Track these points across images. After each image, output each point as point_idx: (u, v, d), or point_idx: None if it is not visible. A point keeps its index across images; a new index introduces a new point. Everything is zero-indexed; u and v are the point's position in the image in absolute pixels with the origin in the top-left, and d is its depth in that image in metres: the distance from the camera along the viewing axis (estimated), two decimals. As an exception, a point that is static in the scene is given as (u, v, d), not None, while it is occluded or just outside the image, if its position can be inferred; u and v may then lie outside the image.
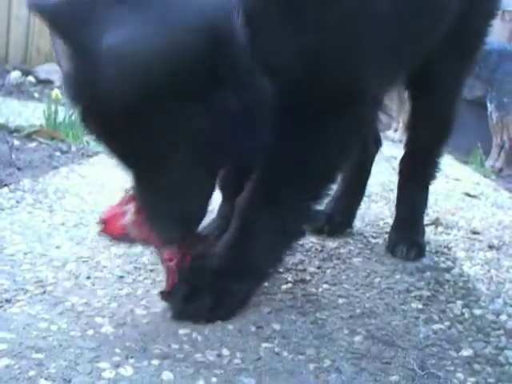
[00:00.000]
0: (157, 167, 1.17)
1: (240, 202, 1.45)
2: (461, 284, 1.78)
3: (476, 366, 1.31)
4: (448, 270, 1.89)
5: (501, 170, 4.66)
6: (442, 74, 1.88)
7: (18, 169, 2.53)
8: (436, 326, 1.48)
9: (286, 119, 1.24)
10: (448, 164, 3.87)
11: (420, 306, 1.59)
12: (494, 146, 4.78)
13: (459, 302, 1.64)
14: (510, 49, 4.91)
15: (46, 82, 5.41)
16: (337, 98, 1.34)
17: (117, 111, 1.06)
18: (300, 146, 1.41)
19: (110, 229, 1.43)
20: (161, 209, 1.25)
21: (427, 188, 2.08)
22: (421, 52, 1.69)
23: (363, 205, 2.50)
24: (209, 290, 1.38)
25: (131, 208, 1.40)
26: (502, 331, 1.50)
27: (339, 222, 2.10)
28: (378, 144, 2.21)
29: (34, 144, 3.01)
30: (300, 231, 1.53)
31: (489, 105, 4.80)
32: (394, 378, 1.23)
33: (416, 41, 1.59)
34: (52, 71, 5.61)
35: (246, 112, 1.13)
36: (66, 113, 3.28)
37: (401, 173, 2.07)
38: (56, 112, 3.28)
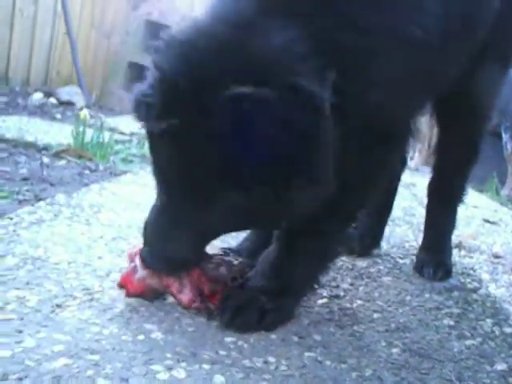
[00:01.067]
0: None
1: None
2: (488, 304, 1.83)
3: (511, 380, 1.36)
4: (475, 290, 1.94)
5: None
6: (471, 98, 1.94)
7: (51, 185, 2.60)
8: (468, 342, 1.53)
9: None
10: (465, 192, 3.93)
11: (451, 323, 1.63)
12: (509, 174, 4.83)
13: (489, 320, 1.69)
14: (524, 80, 4.98)
15: (68, 104, 5.51)
16: (383, 135, 1.44)
17: None
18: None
19: (131, 287, 1.51)
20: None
21: (455, 210, 2.14)
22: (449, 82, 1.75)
23: (388, 228, 2.56)
24: (255, 305, 1.45)
25: (138, 262, 1.49)
26: (532, 348, 1.54)
27: (369, 243, 2.15)
28: (403, 162, 2.26)
29: (63, 162, 3.09)
30: (335, 253, 1.62)
31: (504, 135, 4.86)
32: (433, 387, 1.28)
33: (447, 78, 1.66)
34: (72, 93, 5.73)
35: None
36: (94, 133, 3.36)
37: (429, 195, 2.13)
38: (84, 132, 3.36)
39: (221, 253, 1.64)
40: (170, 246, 1.40)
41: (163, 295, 1.53)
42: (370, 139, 1.39)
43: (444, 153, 2.07)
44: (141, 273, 1.49)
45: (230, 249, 1.75)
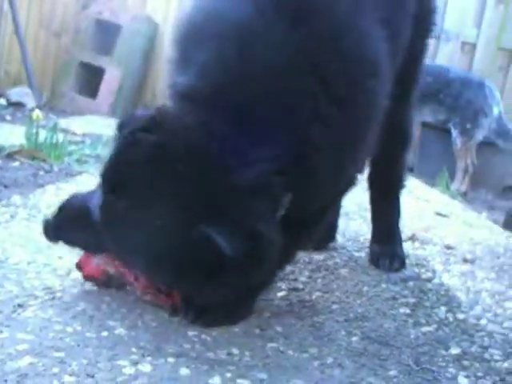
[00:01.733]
0: None
1: None
2: (442, 292, 1.89)
3: (465, 363, 1.41)
4: (429, 280, 2.00)
5: (465, 193, 4.84)
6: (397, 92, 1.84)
7: (5, 186, 2.56)
8: (424, 329, 1.58)
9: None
10: (416, 186, 4.02)
11: (407, 311, 1.69)
12: (458, 169, 4.96)
13: (443, 308, 1.75)
14: (471, 77, 5.13)
15: (18, 105, 5.41)
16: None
17: None
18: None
19: (88, 270, 1.54)
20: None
21: (398, 200, 2.18)
22: None
23: (342, 223, 2.61)
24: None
25: None
26: (484, 333, 1.60)
27: (324, 237, 2.18)
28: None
29: (16, 163, 3.04)
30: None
31: (453, 130, 4.99)
32: (392, 372, 1.32)
33: None
34: (23, 94, 5.63)
35: None
36: (47, 134, 3.32)
37: (370, 189, 2.15)
38: (37, 133, 3.31)
39: None
40: None
41: (116, 285, 1.55)
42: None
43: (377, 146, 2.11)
44: (99, 258, 1.51)
45: None
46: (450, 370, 1.37)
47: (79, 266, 1.55)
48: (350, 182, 1.61)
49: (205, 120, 1.25)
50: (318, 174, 1.35)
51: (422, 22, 1.92)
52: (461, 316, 1.70)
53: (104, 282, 1.54)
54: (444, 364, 1.39)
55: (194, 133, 1.25)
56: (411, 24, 1.78)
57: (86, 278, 1.55)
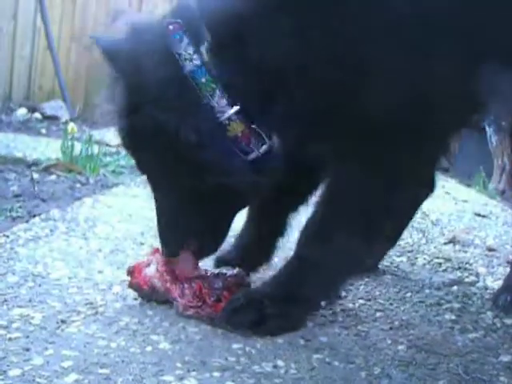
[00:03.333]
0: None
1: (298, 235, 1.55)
2: (487, 296, 1.85)
3: (516, 371, 1.37)
4: (473, 284, 1.96)
5: (503, 191, 4.74)
6: None
7: (43, 200, 2.59)
8: (472, 335, 1.54)
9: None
10: (454, 187, 3.97)
11: (453, 317, 1.65)
12: (495, 168, 4.87)
13: (489, 313, 1.70)
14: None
15: (52, 118, 5.48)
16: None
17: None
18: (352, 184, 1.47)
19: (136, 277, 1.55)
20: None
21: None
22: None
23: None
24: (254, 306, 1.46)
25: (155, 259, 1.55)
26: (535, 339, 1.56)
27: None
28: (431, 186, 1.91)
29: (53, 177, 3.08)
30: (354, 264, 1.56)
31: (487, 128, 4.90)
32: (441, 382, 1.29)
33: None
34: (57, 107, 5.70)
35: None
36: (83, 146, 3.36)
37: None
38: (72, 146, 3.35)
39: (214, 268, 1.66)
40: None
41: (157, 299, 1.55)
42: None
43: None
44: (151, 269, 1.53)
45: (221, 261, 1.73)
46: (502, 378, 1.33)
47: (130, 272, 1.56)
48: None
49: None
50: None
51: None
52: (509, 321, 1.66)
53: (147, 294, 1.55)
54: (495, 372, 1.35)
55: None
56: None
57: (132, 285, 1.56)
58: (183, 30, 1.32)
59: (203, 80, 1.31)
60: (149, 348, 1.32)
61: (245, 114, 1.33)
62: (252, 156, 1.36)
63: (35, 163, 3.27)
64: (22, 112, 5.41)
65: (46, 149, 3.76)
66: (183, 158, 1.33)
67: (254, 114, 1.34)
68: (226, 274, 1.56)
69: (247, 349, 1.35)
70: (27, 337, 1.33)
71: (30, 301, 1.51)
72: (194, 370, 1.24)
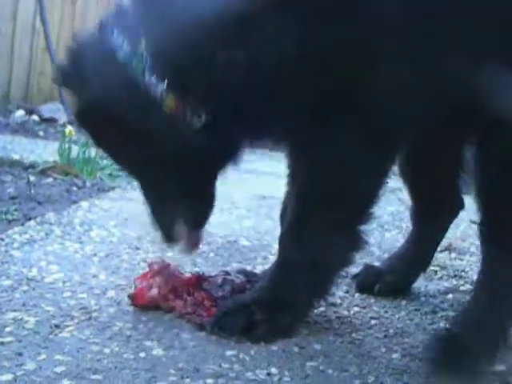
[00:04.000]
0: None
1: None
2: (483, 305, 1.84)
3: (511, 379, 1.37)
4: (468, 292, 1.95)
5: None
6: None
7: (39, 203, 2.58)
8: (467, 344, 1.54)
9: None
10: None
11: (448, 326, 1.64)
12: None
13: (484, 322, 1.70)
14: None
15: (50, 121, 5.47)
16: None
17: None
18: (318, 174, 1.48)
19: (140, 301, 1.54)
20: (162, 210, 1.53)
21: None
22: None
23: (378, 234, 2.58)
24: (243, 312, 1.46)
25: (157, 281, 1.54)
26: (530, 348, 1.55)
27: (391, 282, 1.84)
28: (459, 204, 1.96)
29: (50, 180, 3.07)
30: (339, 264, 1.55)
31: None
32: (436, 391, 1.29)
33: None
34: (55, 110, 5.69)
35: None
36: (80, 149, 3.35)
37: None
38: (69, 148, 3.34)
39: (222, 273, 1.65)
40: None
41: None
42: None
43: None
44: (153, 293, 1.53)
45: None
46: (496, 387, 1.33)
47: (132, 297, 1.55)
48: None
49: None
50: None
51: None
52: (504, 330, 1.65)
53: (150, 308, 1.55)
54: (490, 381, 1.35)
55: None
56: None
57: (136, 306, 1.55)
58: (116, 25, 1.44)
59: (134, 63, 1.39)
60: (142, 354, 1.32)
61: (177, 89, 1.39)
62: (194, 127, 1.41)
63: (32, 165, 3.26)
64: (19, 114, 5.40)
65: (44, 151, 3.75)
66: (134, 134, 1.39)
67: (185, 89, 1.40)
68: (232, 280, 1.56)
69: (241, 356, 1.35)
70: (20, 341, 1.33)
71: (23, 305, 1.51)
72: (187, 377, 1.23)
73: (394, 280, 1.84)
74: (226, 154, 1.49)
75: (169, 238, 1.55)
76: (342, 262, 1.54)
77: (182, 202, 1.51)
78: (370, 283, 1.82)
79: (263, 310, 1.46)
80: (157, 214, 1.55)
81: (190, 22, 1.35)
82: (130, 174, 1.64)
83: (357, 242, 1.51)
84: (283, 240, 1.54)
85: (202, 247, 2.04)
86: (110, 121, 1.38)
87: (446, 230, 2.00)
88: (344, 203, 1.49)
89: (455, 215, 1.99)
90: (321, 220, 1.48)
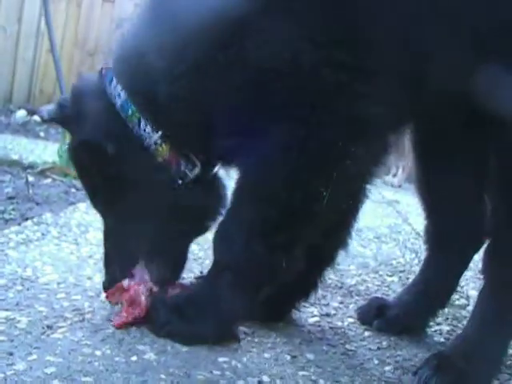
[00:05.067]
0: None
1: None
2: (477, 321, 1.84)
3: (503, 397, 1.37)
4: (463, 307, 1.95)
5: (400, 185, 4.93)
6: None
7: (37, 203, 2.59)
8: (460, 359, 1.53)
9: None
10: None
11: (442, 340, 1.65)
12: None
13: (478, 337, 1.69)
14: None
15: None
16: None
17: None
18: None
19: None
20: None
21: None
22: None
23: (374, 246, 2.59)
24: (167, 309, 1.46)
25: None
26: (522, 365, 1.55)
27: (394, 315, 1.68)
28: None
29: (48, 180, 3.07)
30: (268, 273, 1.42)
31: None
32: (427, 405, 1.28)
33: None
34: (56, 111, 5.69)
35: None
36: (79, 151, 3.35)
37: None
38: (69, 150, 3.34)
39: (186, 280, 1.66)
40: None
41: None
42: None
43: None
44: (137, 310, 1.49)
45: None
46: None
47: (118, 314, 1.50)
48: None
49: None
50: None
51: None
52: (497, 346, 1.64)
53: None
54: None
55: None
56: None
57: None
58: (116, 74, 1.49)
59: (130, 112, 1.46)
60: (134, 358, 1.31)
61: (170, 140, 1.45)
62: (188, 179, 1.47)
63: (31, 166, 3.27)
64: (21, 114, 5.41)
65: (43, 152, 3.76)
66: (120, 180, 1.46)
67: (178, 140, 1.46)
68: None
69: (233, 363, 1.34)
70: (12, 341, 1.32)
71: (17, 304, 1.50)
72: (177, 382, 1.23)
73: (398, 315, 1.67)
74: (215, 210, 1.51)
75: (110, 284, 1.53)
76: (274, 273, 1.42)
77: (147, 254, 1.52)
78: (371, 317, 1.67)
79: (176, 310, 1.46)
80: (111, 258, 1.57)
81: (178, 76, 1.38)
82: (102, 215, 1.60)
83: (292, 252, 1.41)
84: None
85: (198, 253, 2.04)
86: (96, 164, 1.45)
87: (469, 259, 1.79)
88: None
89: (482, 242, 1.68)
90: (248, 221, 1.41)
